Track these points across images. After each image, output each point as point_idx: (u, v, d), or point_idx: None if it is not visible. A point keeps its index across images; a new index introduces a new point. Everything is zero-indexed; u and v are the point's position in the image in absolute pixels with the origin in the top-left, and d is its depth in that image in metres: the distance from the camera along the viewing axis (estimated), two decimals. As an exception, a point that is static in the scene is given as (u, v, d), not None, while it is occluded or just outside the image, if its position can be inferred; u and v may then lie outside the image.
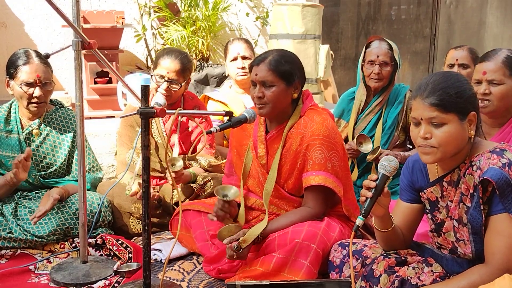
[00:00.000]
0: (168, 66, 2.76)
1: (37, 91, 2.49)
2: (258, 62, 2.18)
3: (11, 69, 2.50)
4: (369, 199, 1.66)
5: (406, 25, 6.69)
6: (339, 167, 2.18)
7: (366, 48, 2.89)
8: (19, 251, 2.38)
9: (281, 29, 4.23)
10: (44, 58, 2.53)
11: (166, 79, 2.74)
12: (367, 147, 2.79)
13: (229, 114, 2.10)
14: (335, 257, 2.01)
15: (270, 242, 2.07)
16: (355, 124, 2.95)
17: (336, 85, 5.24)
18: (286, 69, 2.15)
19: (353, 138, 2.90)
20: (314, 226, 2.07)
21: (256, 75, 2.16)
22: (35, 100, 2.50)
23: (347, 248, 1.99)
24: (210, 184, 2.73)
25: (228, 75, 3.40)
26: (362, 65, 2.89)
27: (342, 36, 6.38)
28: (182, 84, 2.79)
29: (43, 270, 2.28)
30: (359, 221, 1.64)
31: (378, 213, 1.75)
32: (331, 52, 4.44)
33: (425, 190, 1.81)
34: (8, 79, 2.52)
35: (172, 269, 2.26)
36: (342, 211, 2.25)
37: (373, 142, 2.84)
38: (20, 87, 2.47)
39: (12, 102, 2.64)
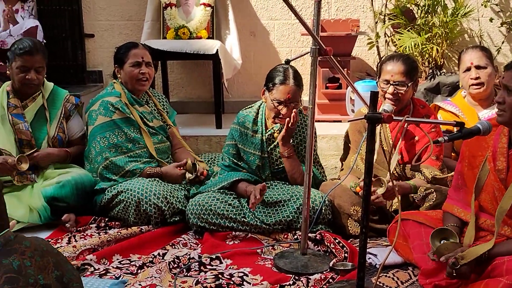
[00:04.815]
0: (391, 69, 2.75)
1: (284, 110, 2.74)
2: (508, 66, 2.05)
3: (269, 83, 2.78)
4: None
5: None
6: None
7: None
8: (249, 234, 2.67)
9: (530, 35, 3.80)
10: (298, 80, 2.77)
11: (391, 82, 2.74)
12: None
13: (460, 124, 2.00)
14: None
15: (497, 265, 1.91)
16: None
17: None
18: None
19: None
20: (552, 255, 1.84)
21: (503, 78, 2.04)
22: (281, 116, 2.76)
23: None
24: (433, 197, 2.64)
25: (462, 85, 3.21)
26: None
27: None
28: (409, 85, 2.74)
29: (267, 255, 2.52)
30: None
31: None
32: None
33: None
34: (265, 89, 2.82)
35: (386, 276, 2.26)
36: None
37: None
38: (272, 102, 2.76)
39: (260, 105, 2.95)
